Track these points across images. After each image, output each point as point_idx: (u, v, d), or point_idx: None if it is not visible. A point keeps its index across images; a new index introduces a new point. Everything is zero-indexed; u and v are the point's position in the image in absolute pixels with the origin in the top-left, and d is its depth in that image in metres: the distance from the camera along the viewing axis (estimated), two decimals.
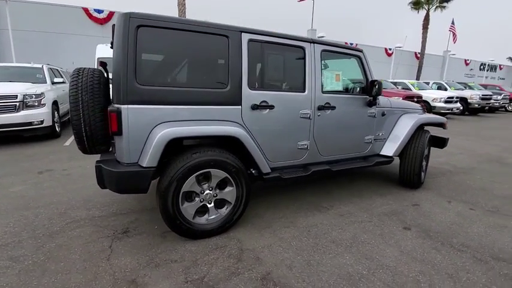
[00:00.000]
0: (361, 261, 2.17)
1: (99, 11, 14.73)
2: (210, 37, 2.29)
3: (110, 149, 2.55)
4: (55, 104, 6.29)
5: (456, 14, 30.41)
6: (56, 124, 6.25)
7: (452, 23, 23.73)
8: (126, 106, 2.04)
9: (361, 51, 3.18)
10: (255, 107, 2.49)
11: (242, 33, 2.42)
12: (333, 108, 2.93)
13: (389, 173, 4.34)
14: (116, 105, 2.06)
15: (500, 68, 33.98)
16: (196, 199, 2.34)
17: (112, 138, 2.45)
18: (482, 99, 13.72)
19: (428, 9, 23.78)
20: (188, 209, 2.31)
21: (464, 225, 2.80)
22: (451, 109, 11.80)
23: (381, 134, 3.45)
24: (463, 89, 14.37)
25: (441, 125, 3.87)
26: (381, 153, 3.48)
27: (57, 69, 7.91)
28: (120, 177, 2.08)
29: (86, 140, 2.30)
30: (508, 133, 8.82)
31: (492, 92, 15.15)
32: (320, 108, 2.84)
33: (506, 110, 17.50)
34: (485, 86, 17.21)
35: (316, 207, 3.09)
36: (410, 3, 24.29)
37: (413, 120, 3.49)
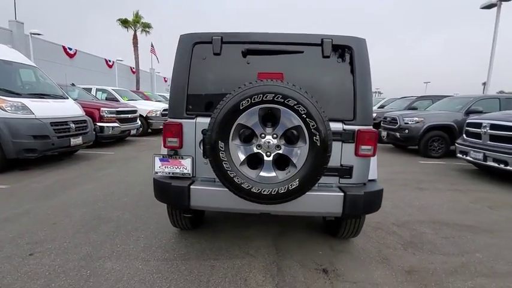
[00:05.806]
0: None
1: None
2: None
3: None
4: None
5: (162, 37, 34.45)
6: None
7: (152, 45, 26.26)
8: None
9: None
10: None
11: None
12: None
13: None
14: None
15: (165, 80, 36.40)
16: None
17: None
18: None
19: (135, 29, 24.78)
20: None
21: (418, 176, 4.87)
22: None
23: None
24: (161, 100, 13.51)
25: None
26: None
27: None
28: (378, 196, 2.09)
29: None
30: None
31: None
32: None
33: None
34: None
35: None
36: (118, 20, 24.11)
37: None
